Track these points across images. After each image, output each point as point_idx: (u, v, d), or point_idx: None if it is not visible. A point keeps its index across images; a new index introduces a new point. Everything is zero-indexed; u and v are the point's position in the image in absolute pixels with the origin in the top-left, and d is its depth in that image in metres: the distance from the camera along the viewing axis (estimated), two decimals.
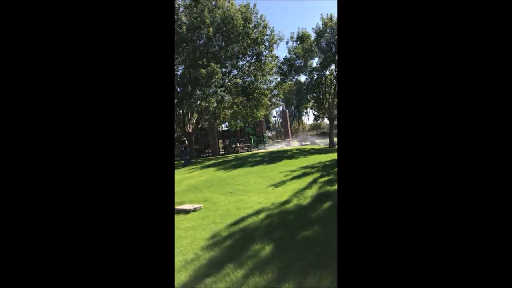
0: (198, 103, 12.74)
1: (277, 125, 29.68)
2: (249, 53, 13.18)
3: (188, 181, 7.05)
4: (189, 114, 14.16)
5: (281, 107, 22.71)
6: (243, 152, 16.71)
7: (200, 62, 11.58)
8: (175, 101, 12.24)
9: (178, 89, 12.82)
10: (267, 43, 13.04)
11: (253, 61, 13.45)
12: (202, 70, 11.27)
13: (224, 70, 12.64)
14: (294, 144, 19.06)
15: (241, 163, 9.38)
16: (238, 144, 18.89)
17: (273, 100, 14.17)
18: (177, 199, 5.08)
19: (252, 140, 20.26)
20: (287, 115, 25.51)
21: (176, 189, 5.81)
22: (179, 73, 12.93)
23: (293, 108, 25.56)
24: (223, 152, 18.81)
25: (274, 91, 13.89)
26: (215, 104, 12.41)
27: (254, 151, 16.20)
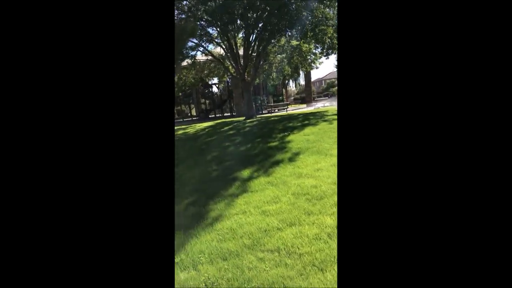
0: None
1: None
2: None
3: None
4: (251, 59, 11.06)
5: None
6: (277, 112, 14.11)
7: None
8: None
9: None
10: None
11: None
12: None
13: None
14: (320, 105, 17.16)
15: None
16: (268, 103, 16.81)
17: None
18: None
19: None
20: (310, 76, 22.92)
21: None
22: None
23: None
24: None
25: None
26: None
27: (290, 111, 13.66)
